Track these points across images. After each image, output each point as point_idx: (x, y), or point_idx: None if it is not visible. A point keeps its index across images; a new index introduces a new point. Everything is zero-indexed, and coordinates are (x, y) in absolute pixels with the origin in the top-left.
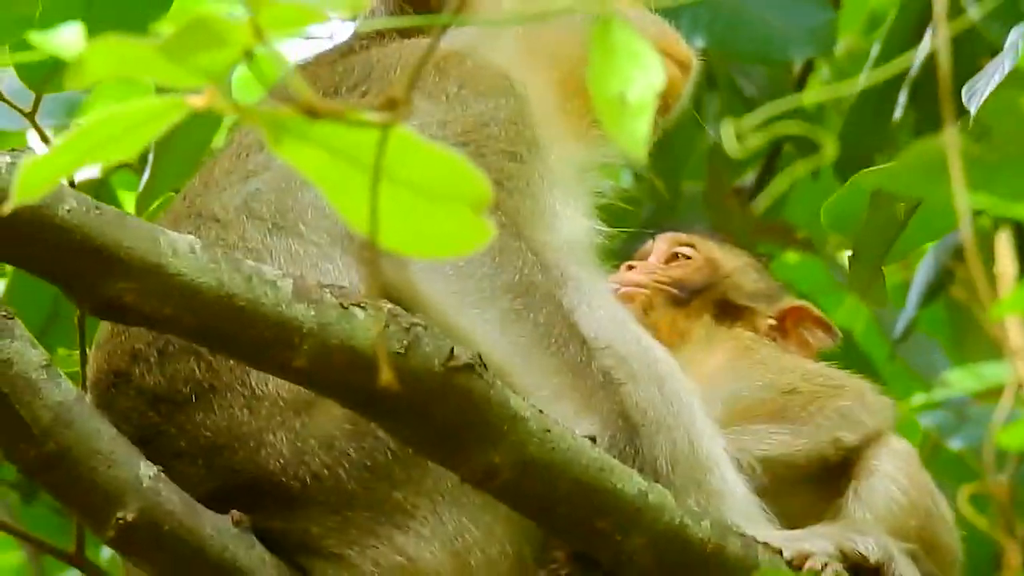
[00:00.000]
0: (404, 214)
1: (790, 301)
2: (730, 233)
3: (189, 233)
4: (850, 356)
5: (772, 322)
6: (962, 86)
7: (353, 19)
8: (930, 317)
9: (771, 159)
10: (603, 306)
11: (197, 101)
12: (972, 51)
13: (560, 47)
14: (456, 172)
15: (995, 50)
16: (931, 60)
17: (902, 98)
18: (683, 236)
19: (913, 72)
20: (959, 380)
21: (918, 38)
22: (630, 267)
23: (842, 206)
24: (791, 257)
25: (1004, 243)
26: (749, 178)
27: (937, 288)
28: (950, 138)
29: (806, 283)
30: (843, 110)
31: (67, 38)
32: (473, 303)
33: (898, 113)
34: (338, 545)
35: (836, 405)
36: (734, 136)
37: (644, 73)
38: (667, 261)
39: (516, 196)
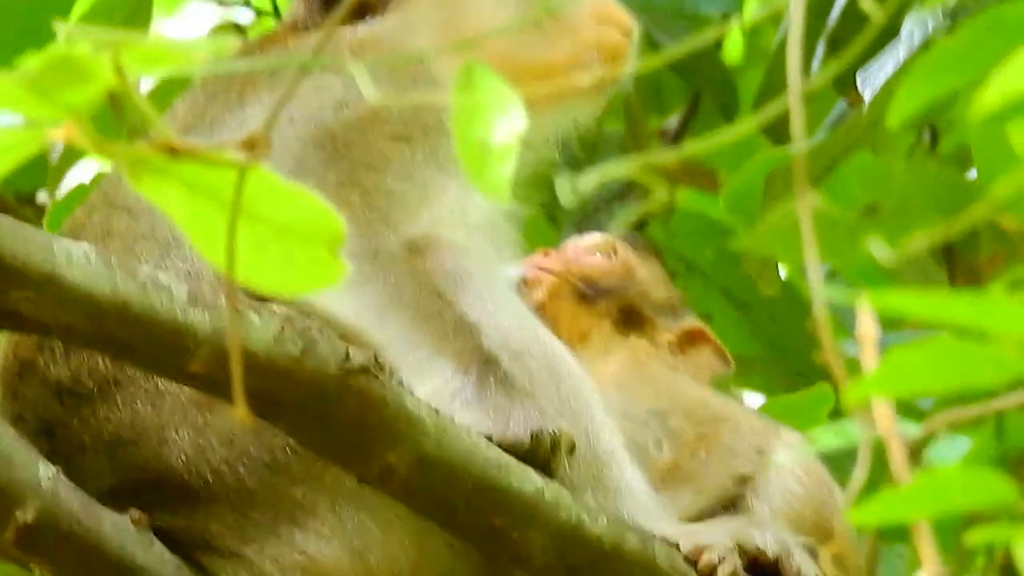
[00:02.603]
0: (262, 252)
1: (691, 322)
2: (652, 175)
3: (101, 223)
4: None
5: (671, 339)
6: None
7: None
8: None
9: (695, 101)
10: (501, 302)
11: (56, 135)
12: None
13: (481, 29)
14: (313, 211)
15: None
16: (850, 11)
17: (819, 51)
18: (605, 238)
19: (831, 24)
20: (821, 436)
21: None
22: (545, 253)
23: (741, 189)
24: (712, 202)
25: (865, 308)
26: (672, 120)
27: None
28: (803, 205)
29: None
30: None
31: None
32: None
33: (816, 66)
34: (238, 544)
35: (721, 442)
36: (568, 190)
37: (507, 119)
38: (585, 254)
39: (387, 177)
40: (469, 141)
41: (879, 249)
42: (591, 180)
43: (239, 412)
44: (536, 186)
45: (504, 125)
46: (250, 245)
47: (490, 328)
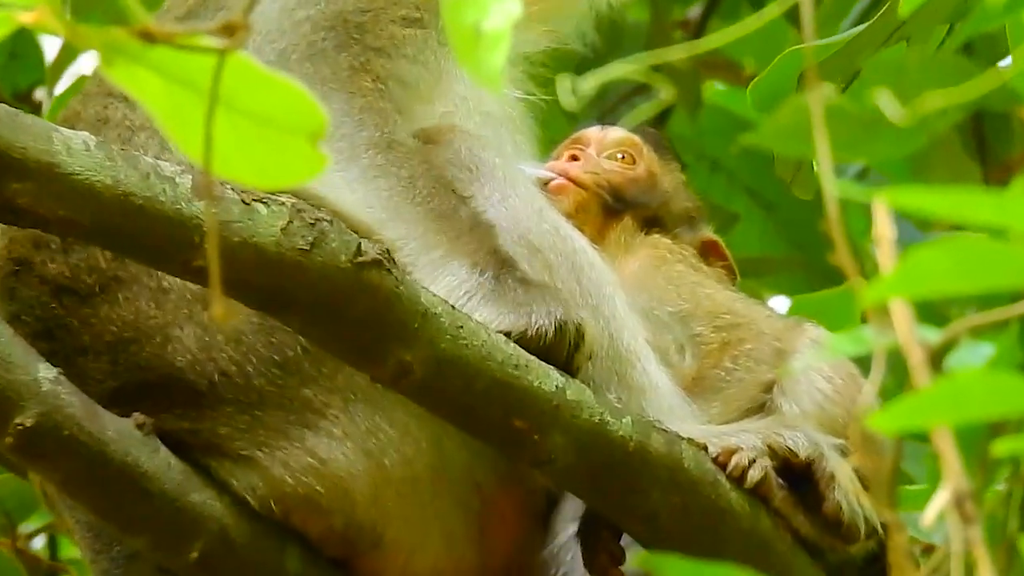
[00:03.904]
0: (240, 142)
1: (708, 233)
2: (675, 68)
3: (96, 113)
4: None
5: (691, 249)
6: None
7: None
8: None
9: None
10: (520, 194)
11: (27, 18)
12: None
13: None
14: (294, 101)
15: None
16: None
17: None
18: (632, 138)
19: None
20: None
21: None
22: (573, 156)
23: (769, 85)
24: (736, 93)
25: (881, 209)
26: (695, 10)
27: None
28: (814, 97)
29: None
30: None
31: None
32: (335, 164)
33: None
34: (247, 447)
35: (745, 350)
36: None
37: (501, 3)
38: (608, 157)
39: (400, 62)
40: (461, 26)
41: (889, 106)
42: (591, 81)
43: (216, 311)
44: (554, 75)
45: (498, 10)
46: (228, 136)
47: (508, 222)
